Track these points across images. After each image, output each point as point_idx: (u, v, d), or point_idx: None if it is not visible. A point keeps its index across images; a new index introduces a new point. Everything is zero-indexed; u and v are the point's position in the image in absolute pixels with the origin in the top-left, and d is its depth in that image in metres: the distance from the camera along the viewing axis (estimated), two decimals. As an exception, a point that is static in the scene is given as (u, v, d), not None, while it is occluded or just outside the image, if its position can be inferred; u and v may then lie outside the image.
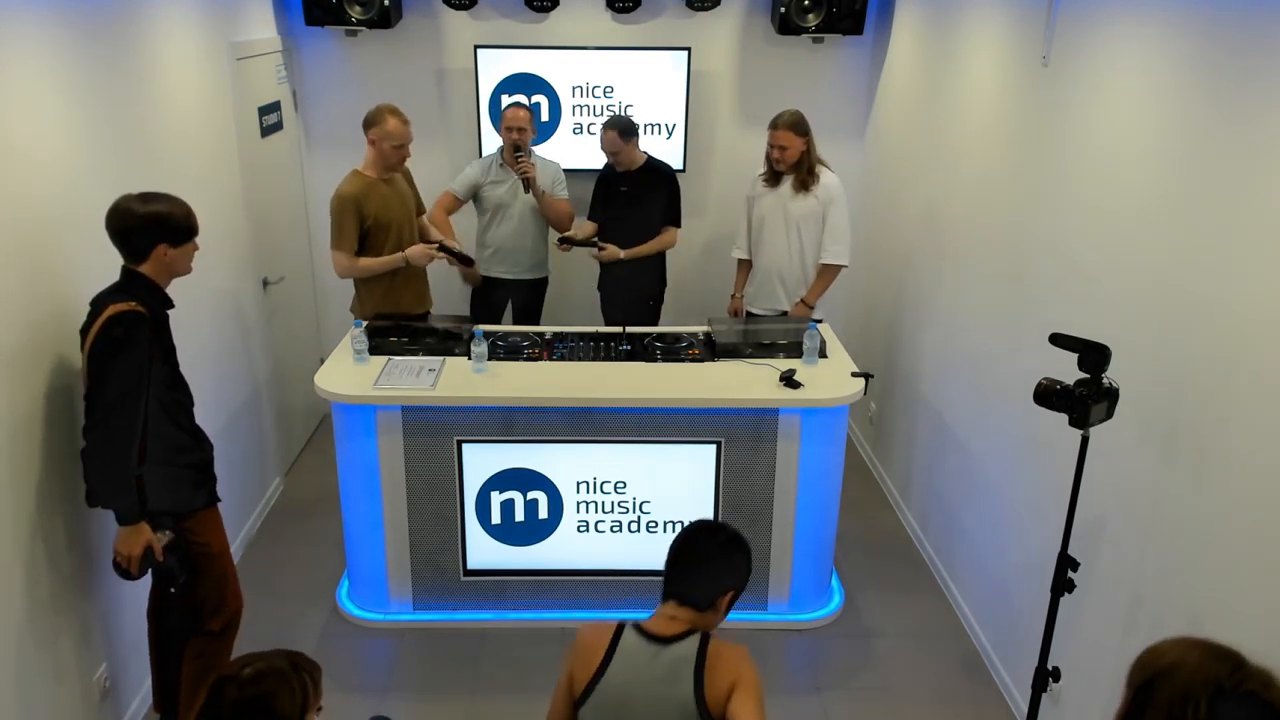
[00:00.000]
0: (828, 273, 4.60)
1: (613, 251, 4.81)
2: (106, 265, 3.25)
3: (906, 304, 4.90)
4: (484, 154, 5.54)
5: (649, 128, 5.51)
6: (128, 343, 2.79)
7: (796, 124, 4.47)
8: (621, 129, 4.69)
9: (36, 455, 2.85)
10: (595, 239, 4.85)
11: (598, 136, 4.80)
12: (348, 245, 4.19)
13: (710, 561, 2.18)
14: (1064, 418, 2.62)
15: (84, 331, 2.86)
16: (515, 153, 4.75)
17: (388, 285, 4.35)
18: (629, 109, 5.49)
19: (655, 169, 4.87)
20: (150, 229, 2.85)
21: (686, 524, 2.29)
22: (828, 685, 3.75)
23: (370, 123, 4.21)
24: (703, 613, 2.16)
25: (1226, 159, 2.47)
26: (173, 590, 3.07)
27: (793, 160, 4.51)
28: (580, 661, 2.15)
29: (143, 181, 3.49)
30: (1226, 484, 2.44)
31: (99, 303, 2.86)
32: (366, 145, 4.25)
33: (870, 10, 5.35)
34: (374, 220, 4.21)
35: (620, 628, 2.16)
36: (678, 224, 4.92)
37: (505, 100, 5.44)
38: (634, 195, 4.83)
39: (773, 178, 4.62)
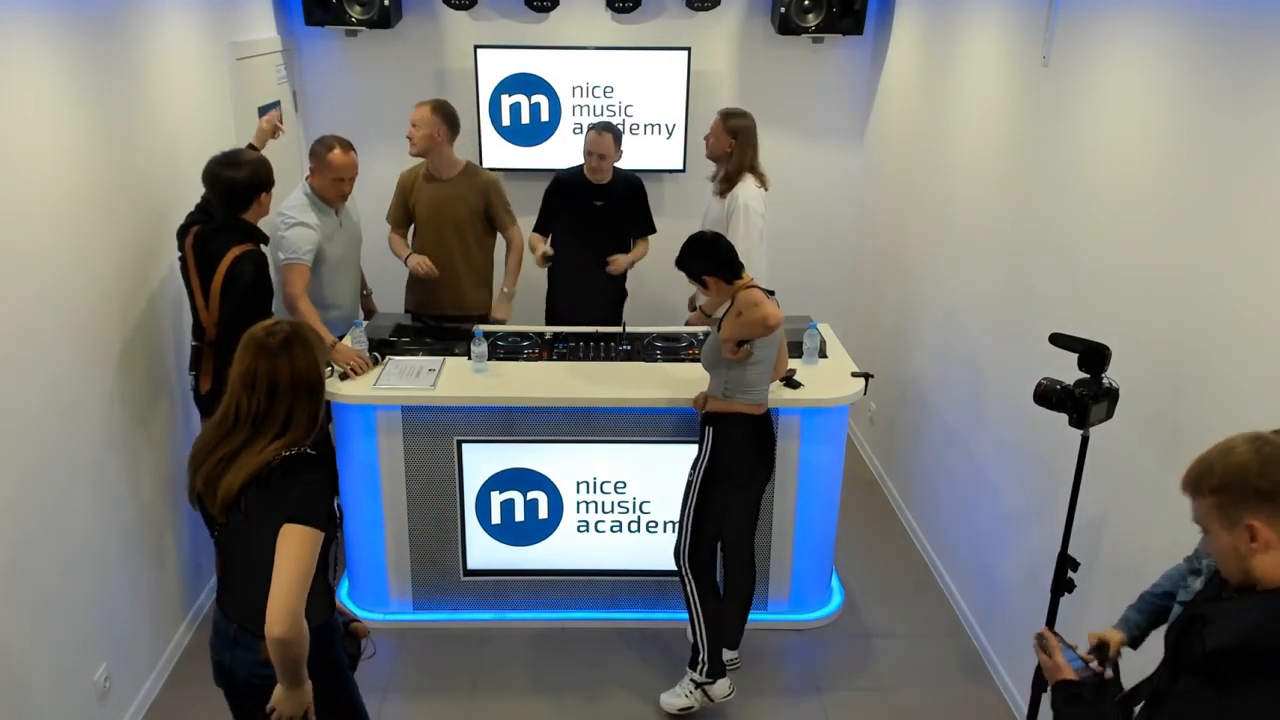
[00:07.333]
0: None
1: (619, 262, 4.48)
2: (106, 263, 3.26)
3: (907, 304, 4.91)
4: (484, 160, 5.48)
5: (649, 128, 5.52)
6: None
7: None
8: (617, 135, 4.39)
9: (33, 455, 2.85)
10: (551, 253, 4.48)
11: (585, 136, 4.41)
12: (390, 217, 4.51)
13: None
14: (1064, 417, 2.62)
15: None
16: None
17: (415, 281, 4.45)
18: (629, 109, 5.49)
19: (626, 179, 4.55)
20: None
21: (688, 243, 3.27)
22: (828, 685, 3.75)
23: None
24: None
25: (1226, 158, 2.47)
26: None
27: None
28: None
29: (142, 181, 3.51)
30: (1226, 484, 2.43)
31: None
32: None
33: (870, 10, 5.35)
34: (414, 211, 4.45)
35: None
36: (654, 231, 4.64)
37: (506, 100, 5.44)
38: (611, 209, 4.49)
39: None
